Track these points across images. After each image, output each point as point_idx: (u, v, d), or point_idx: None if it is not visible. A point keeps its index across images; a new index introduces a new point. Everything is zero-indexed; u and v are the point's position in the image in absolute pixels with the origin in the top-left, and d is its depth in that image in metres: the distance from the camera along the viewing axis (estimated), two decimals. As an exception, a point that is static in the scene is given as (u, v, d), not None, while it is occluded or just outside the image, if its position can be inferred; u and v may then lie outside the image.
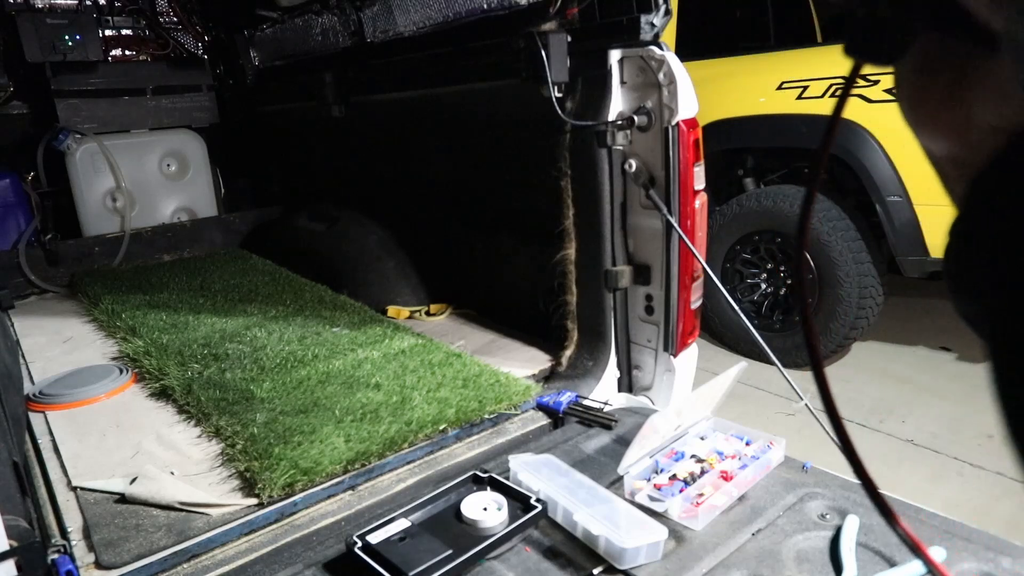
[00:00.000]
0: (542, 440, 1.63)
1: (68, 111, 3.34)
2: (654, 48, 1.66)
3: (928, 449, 2.86)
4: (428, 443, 1.57)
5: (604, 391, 1.88)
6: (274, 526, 1.34)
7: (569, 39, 1.78)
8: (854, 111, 3.23)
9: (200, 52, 3.87)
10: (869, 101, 3.14)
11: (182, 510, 1.34)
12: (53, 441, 1.66)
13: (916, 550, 0.46)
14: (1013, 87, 0.24)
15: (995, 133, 0.27)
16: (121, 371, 2.03)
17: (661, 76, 1.67)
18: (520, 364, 2.02)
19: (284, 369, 1.91)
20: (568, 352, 1.98)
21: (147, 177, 3.57)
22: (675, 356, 1.85)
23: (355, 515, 1.38)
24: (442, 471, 1.52)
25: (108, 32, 3.58)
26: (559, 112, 1.79)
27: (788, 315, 3.72)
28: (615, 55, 1.73)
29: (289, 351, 2.03)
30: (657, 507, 1.27)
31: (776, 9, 4.40)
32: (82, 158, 3.32)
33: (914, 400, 3.28)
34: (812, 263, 3.44)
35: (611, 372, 1.93)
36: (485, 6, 2.11)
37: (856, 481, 1.34)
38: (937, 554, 1.11)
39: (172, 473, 1.48)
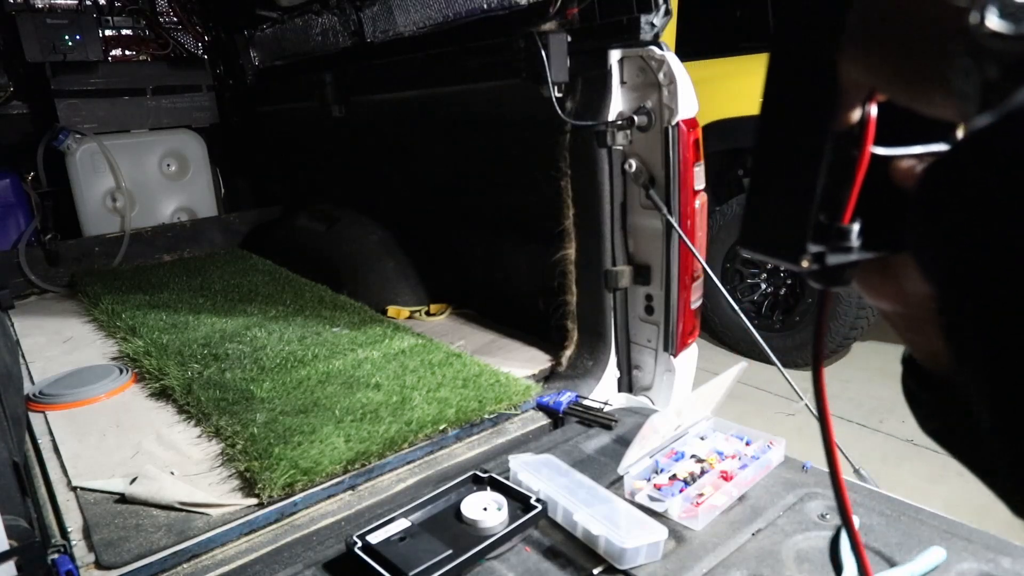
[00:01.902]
0: (542, 440, 1.63)
1: (68, 111, 3.34)
2: (654, 48, 1.66)
3: (928, 449, 2.86)
4: (428, 443, 1.57)
5: (604, 391, 1.88)
6: (274, 526, 1.34)
7: (569, 39, 1.78)
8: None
9: (200, 52, 3.87)
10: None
11: (182, 510, 1.34)
12: (53, 441, 1.66)
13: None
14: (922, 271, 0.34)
15: (915, 294, 0.40)
16: (121, 371, 2.03)
17: (661, 76, 1.67)
18: (520, 364, 2.02)
19: (284, 369, 1.91)
20: (568, 352, 1.98)
21: (147, 177, 3.57)
22: (675, 356, 1.85)
23: (355, 515, 1.38)
24: (442, 471, 1.52)
25: (108, 32, 3.58)
26: (559, 112, 1.79)
27: (788, 315, 3.72)
28: (615, 55, 1.73)
29: (289, 351, 2.03)
30: (657, 507, 1.27)
31: (776, 9, 4.39)
32: (82, 158, 3.32)
33: (914, 400, 3.27)
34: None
35: (611, 372, 1.93)
36: (485, 6, 2.11)
37: (856, 481, 1.34)
38: (937, 554, 1.11)
39: (172, 473, 1.48)
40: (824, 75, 0.39)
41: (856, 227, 0.41)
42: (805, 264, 0.41)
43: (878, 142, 0.40)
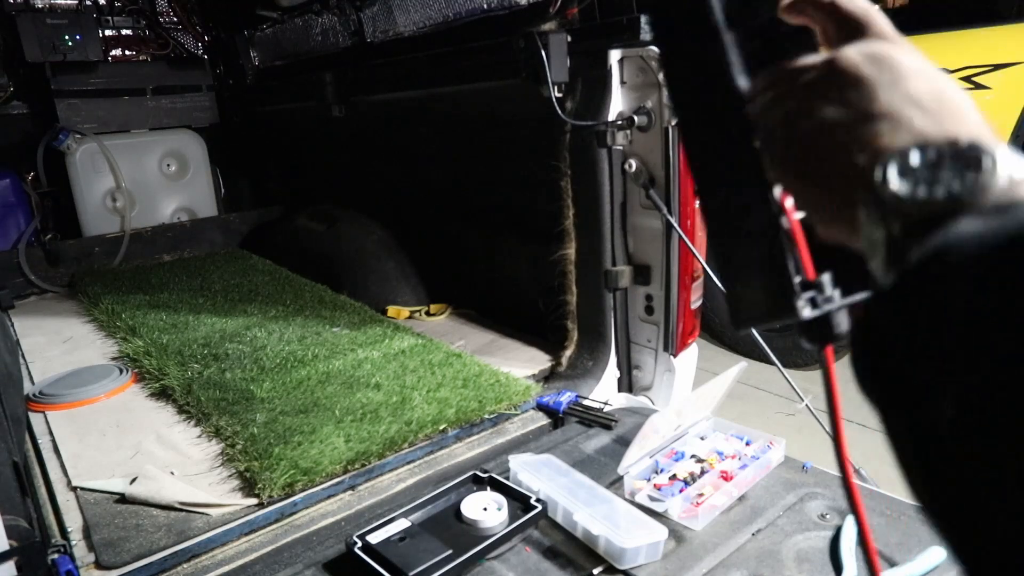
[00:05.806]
0: (542, 440, 1.63)
1: (68, 111, 3.34)
2: (654, 48, 1.66)
3: (928, 449, 2.85)
4: (428, 443, 1.57)
5: (604, 391, 1.88)
6: (274, 526, 1.34)
7: (569, 39, 1.78)
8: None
9: (200, 52, 3.87)
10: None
11: (182, 510, 1.34)
12: (53, 441, 1.66)
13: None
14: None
15: None
16: (121, 371, 2.02)
17: (661, 76, 1.67)
18: (520, 364, 2.02)
19: (284, 369, 1.91)
20: (568, 352, 1.98)
21: (147, 177, 3.57)
22: (675, 356, 1.85)
23: (355, 515, 1.38)
24: (442, 471, 1.52)
25: (108, 32, 3.57)
26: (559, 112, 1.78)
27: (788, 315, 3.72)
28: (615, 55, 1.73)
29: (289, 351, 2.03)
30: (657, 507, 1.27)
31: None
32: (82, 158, 3.32)
33: (914, 400, 3.27)
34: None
35: (611, 372, 1.93)
36: (485, 6, 2.11)
37: (856, 481, 1.35)
38: (937, 554, 1.11)
39: (172, 473, 1.48)
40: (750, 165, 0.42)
41: (827, 277, 0.43)
42: (807, 312, 0.44)
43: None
